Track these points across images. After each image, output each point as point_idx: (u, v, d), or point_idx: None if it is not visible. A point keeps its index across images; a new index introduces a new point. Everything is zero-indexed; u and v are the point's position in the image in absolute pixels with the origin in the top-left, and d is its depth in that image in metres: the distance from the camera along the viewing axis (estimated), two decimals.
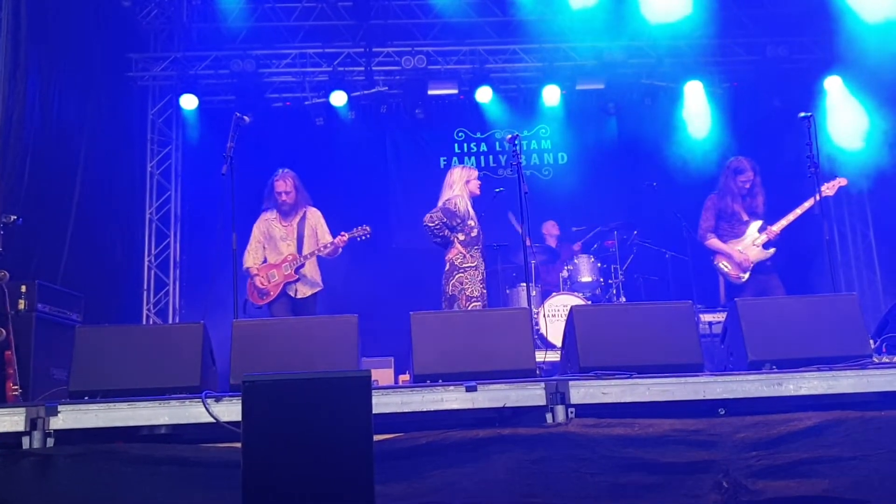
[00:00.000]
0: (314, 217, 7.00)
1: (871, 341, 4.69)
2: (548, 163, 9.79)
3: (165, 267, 9.01)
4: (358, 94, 9.14)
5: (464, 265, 6.42)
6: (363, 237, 6.86)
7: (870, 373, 4.20)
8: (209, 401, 3.92)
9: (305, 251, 6.86)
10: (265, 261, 6.91)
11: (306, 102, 9.14)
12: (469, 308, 6.27)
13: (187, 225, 9.22)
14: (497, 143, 9.69)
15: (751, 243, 6.86)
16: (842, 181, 6.65)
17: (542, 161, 9.78)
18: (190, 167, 9.23)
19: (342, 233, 6.81)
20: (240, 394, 3.16)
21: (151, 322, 8.66)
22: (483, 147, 9.82)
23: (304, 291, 6.83)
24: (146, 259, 8.93)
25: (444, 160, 9.59)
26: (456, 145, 9.80)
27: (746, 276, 6.80)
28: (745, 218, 6.92)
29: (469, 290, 6.35)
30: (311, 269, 6.90)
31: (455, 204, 6.51)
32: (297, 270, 6.83)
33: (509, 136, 6.18)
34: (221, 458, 3.75)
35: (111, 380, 4.31)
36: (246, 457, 2.94)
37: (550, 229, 8.93)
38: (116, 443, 3.92)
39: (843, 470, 3.93)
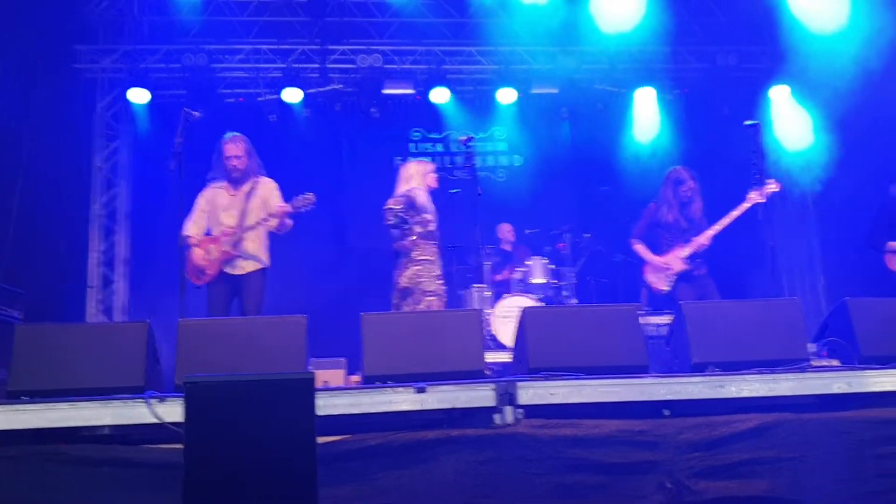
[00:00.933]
0: (266, 188, 6.41)
1: (812, 345, 4.81)
2: (503, 165, 9.85)
3: (112, 264, 8.85)
4: (313, 91, 9.08)
5: (419, 257, 6.34)
6: (307, 207, 6.25)
7: (808, 376, 4.30)
8: (153, 401, 3.85)
9: (248, 223, 6.28)
10: (208, 233, 6.34)
11: (259, 99, 9.06)
12: (425, 303, 6.22)
13: (136, 221, 9.07)
14: (452, 144, 9.71)
15: (675, 255, 6.98)
16: (773, 187, 6.64)
17: (497, 163, 9.83)
18: (139, 163, 9.08)
19: (281, 203, 6.26)
20: (183, 394, 3.12)
21: (98, 320, 8.50)
22: (439, 147, 9.84)
23: (243, 267, 6.27)
24: (92, 256, 8.76)
25: (400, 159, 9.55)
26: (411, 145, 9.81)
27: (667, 287, 6.95)
28: (685, 225, 7.04)
29: (425, 284, 6.28)
30: (255, 244, 6.32)
31: (415, 195, 6.44)
32: (235, 246, 6.26)
33: (464, 137, 6.22)
34: (164, 460, 3.69)
35: (52, 379, 4.21)
36: (188, 458, 2.90)
37: (505, 232, 8.97)
38: (57, 444, 3.85)
39: (782, 470, 4.02)
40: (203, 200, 6.40)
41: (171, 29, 8.83)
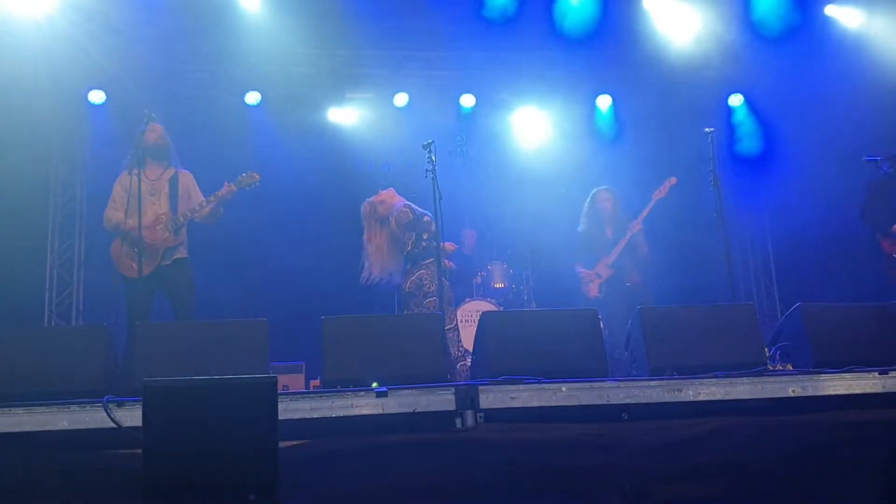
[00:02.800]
0: (187, 178, 6.40)
1: (766, 349, 4.90)
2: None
3: (69, 267, 8.69)
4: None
5: (425, 262, 6.38)
6: (251, 186, 6.28)
7: (764, 379, 4.39)
8: (111, 405, 3.80)
9: (181, 210, 6.23)
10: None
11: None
12: (426, 304, 6.25)
13: (93, 223, 8.91)
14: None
15: (602, 264, 7.56)
16: (672, 181, 7.39)
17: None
18: (98, 163, 8.92)
19: (227, 183, 6.21)
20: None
21: (53, 323, 8.34)
22: None
23: (170, 259, 6.21)
24: (48, 258, 8.61)
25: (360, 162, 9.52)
26: None
27: (599, 294, 7.51)
28: (610, 236, 7.59)
29: (427, 286, 6.31)
30: (184, 232, 6.32)
31: (412, 205, 6.54)
32: (175, 233, 6.17)
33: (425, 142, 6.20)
34: (123, 465, 3.64)
35: (8, 384, 4.14)
36: (147, 463, 2.87)
37: (468, 237, 9.00)
38: (13, 450, 3.77)
39: (739, 473, 4.08)
40: (120, 188, 6.27)
41: None
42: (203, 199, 6.26)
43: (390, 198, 6.63)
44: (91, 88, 8.50)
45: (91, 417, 3.84)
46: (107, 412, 3.78)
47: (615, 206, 7.65)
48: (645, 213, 7.47)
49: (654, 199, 7.46)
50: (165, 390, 2.95)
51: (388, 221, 6.51)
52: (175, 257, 6.23)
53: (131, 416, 3.76)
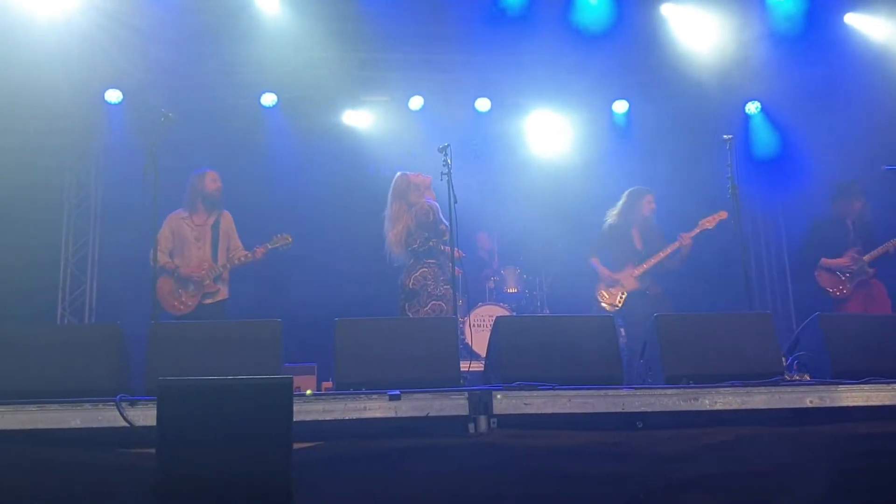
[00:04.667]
0: (228, 221, 6.95)
1: (784, 359, 4.85)
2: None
3: (83, 264, 8.72)
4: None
5: (429, 260, 6.32)
6: (283, 247, 6.83)
7: (781, 389, 4.34)
8: (123, 404, 3.80)
9: (221, 258, 6.81)
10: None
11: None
12: (431, 306, 6.18)
13: (107, 222, 8.93)
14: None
15: (628, 273, 7.22)
16: (722, 215, 7.00)
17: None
18: (113, 162, 8.94)
19: (260, 246, 6.80)
20: (155, 398, 3.07)
21: (66, 321, 8.37)
22: None
23: (213, 298, 6.77)
24: (62, 256, 8.63)
25: (374, 165, 9.51)
26: None
27: (619, 304, 7.20)
28: (640, 245, 7.28)
29: (432, 287, 6.25)
30: (224, 278, 6.87)
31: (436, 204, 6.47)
32: (215, 281, 6.75)
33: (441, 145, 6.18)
34: (136, 464, 3.63)
35: (21, 381, 4.15)
36: (160, 463, 2.85)
37: (482, 241, 8.97)
38: (26, 447, 3.77)
39: (755, 484, 4.05)
40: (168, 231, 6.79)
41: None
42: (241, 252, 6.84)
43: (425, 186, 6.51)
44: (108, 88, 8.52)
45: (103, 416, 3.84)
46: (119, 411, 3.77)
47: (653, 213, 7.36)
48: (693, 234, 7.12)
49: (702, 227, 7.10)
50: (180, 390, 2.94)
51: (412, 206, 6.44)
52: (217, 299, 6.78)
53: (144, 416, 3.76)
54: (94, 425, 3.81)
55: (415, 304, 6.25)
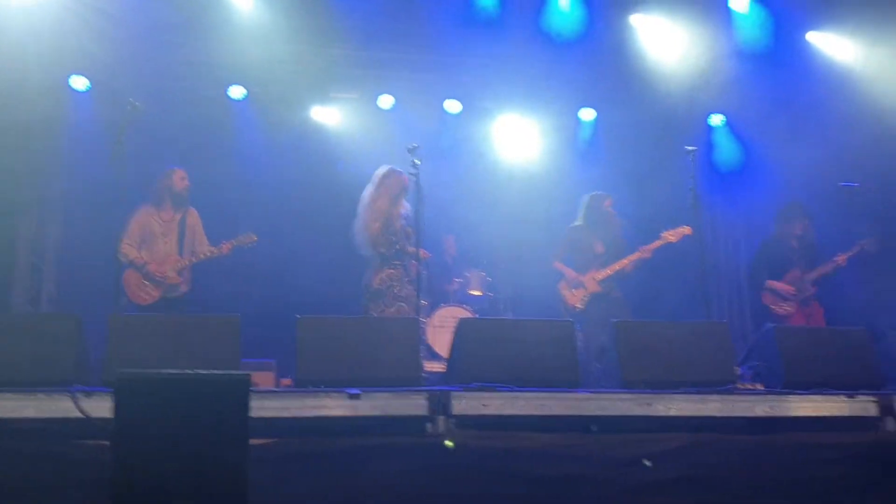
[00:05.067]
0: (194, 218, 7.07)
1: (738, 368, 4.95)
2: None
3: (42, 254, 8.57)
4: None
5: (395, 262, 6.35)
6: (248, 245, 6.92)
7: (734, 398, 4.43)
8: (79, 395, 3.76)
9: (186, 252, 6.92)
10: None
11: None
12: (396, 308, 6.22)
13: (69, 211, 8.80)
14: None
15: (591, 276, 7.32)
16: (686, 230, 7.09)
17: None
18: (78, 150, 8.81)
19: (226, 242, 6.88)
20: (112, 389, 3.05)
21: (23, 310, 8.22)
22: None
23: (176, 292, 6.90)
24: (20, 244, 8.47)
25: (341, 162, 9.49)
26: None
27: (581, 306, 7.28)
28: (602, 250, 7.39)
29: (398, 288, 6.28)
30: (187, 272, 7.00)
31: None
32: (179, 274, 6.88)
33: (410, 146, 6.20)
34: (90, 456, 3.60)
35: None
36: (115, 455, 2.84)
37: (449, 244, 8.99)
38: None
39: (706, 490, 4.12)
40: (137, 225, 6.89)
41: None
42: (207, 248, 6.96)
43: (406, 191, 6.52)
44: (74, 73, 8.40)
45: (58, 406, 3.80)
46: (74, 401, 3.74)
47: (614, 217, 7.48)
48: (654, 246, 7.22)
49: (664, 241, 7.19)
50: (137, 382, 2.92)
51: (394, 207, 6.45)
52: (180, 292, 6.93)
53: (99, 407, 3.72)
54: (49, 415, 3.77)
55: (379, 305, 6.26)
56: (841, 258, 7.20)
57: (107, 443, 3.08)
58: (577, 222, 7.52)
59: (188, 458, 2.84)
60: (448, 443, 4.02)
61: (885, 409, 4.48)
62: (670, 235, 7.17)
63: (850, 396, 4.50)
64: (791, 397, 4.47)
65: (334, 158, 9.07)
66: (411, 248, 6.30)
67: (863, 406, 4.49)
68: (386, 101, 9.09)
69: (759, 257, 7.63)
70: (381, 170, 6.69)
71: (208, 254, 6.92)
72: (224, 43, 8.05)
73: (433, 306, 8.06)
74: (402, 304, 6.23)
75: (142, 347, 4.34)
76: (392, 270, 6.32)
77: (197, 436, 2.87)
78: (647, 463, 4.13)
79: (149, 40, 8.00)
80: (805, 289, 7.27)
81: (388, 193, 6.52)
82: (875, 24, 7.57)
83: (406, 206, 6.48)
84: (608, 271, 7.29)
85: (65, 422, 3.76)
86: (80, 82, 8.44)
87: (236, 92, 8.76)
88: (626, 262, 7.28)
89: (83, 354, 4.42)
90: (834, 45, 8.20)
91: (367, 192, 6.63)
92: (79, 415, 3.72)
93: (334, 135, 9.24)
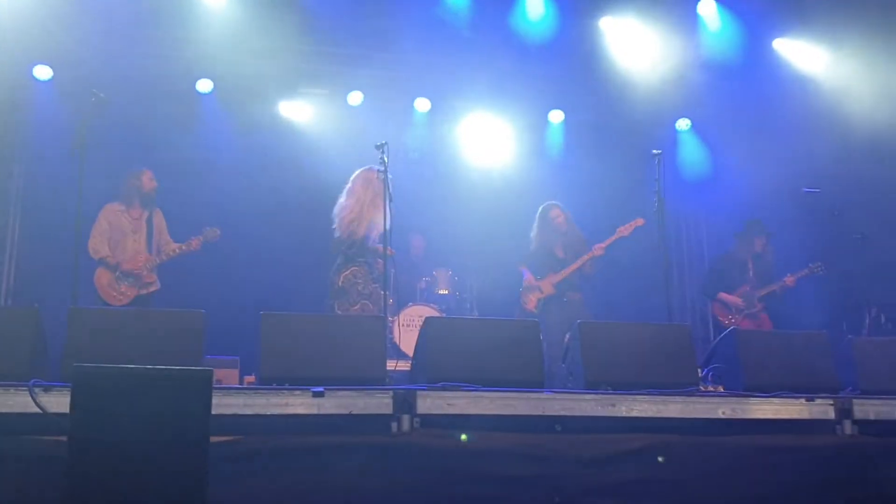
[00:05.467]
0: (159, 217, 7.22)
1: (699, 370, 5.00)
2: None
3: (1, 246, 8.41)
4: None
5: (359, 259, 6.31)
6: (213, 239, 7.05)
7: (696, 400, 4.47)
8: (36, 389, 3.69)
9: (154, 251, 7.08)
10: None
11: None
12: (360, 305, 6.18)
13: (30, 203, 8.64)
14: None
15: (548, 281, 7.52)
16: (638, 222, 7.35)
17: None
18: (39, 140, 8.65)
19: (194, 239, 7.01)
20: (70, 384, 2.99)
21: None
22: None
23: (148, 290, 7.05)
24: None
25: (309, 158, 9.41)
26: None
27: (535, 309, 7.49)
28: (561, 255, 7.57)
29: (362, 286, 6.25)
30: (154, 270, 7.14)
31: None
32: (152, 271, 7.04)
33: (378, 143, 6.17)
34: (47, 451, 3.53)
35: None
36: (72, 451, 2.79)
37: (417, 243, 8.98)
38: None
39: (667, 491, 4.16)
40: (105, 222, 7.00)
41: None
42: (174, 245, 7.12)
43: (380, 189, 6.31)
44: (38, 63, 8.25)
45: (15, 401, 3.71)
46: (32, 396, 3.66)
47: (567, 224, 7.62)
48: (607, 243, 7.38)
49: (618, 235, 7.36)
50: (96, 377, 2.87)
51: (376, 213, 6.26)
52: (151, 290, 7.07)
53: (58, 402, 3.65)
54: (5, 410, 3.69)
55: (344, 303, 6.23)
56: (790, 279, 7.49)
57: (64, 438, 3.02)
58: (533, 244, 7.73)
59: (147, 454, 2.80)
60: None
61: (843, 413, 4.55)
62: (624, 230, 7.39)
63: (810, 400, 4.56)
64: (752, 400, 4.52)
65: (302, 153, 9.01)
66: (378, 245, 6.26)
67: (822, 409, 4.55)
68: (355, 97, 9.06)
69: (714, 269, 7.98)
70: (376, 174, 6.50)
71: (177, 251, 7.06)
72: (192, 35, 7.97)
73: (400, 305, 8.04)
74: (367, 301, 6.20)
75: (102, 342, 4.26)
76: (356, 268, 6.29)
77: (157, 432, 2.83)
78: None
79: (116, 31, 7.88)
80: (752, 304, 7.56)
81: (375, 199, 6.32)
82: (842, 31, 7.70)
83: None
84: (563, 274, 7.45)
85: (22, 417, 3.68)
86: (43, 72, 8.29)
87: (204, 85, 8.67)
88: (578, 263, 7.42)
89: (42, 348, 4.34)
90: (801, 53, 8.33)
91: (367, 192, 6.47)
92: (36, 410, 3.65)
93: (302, 131, 9.19)
